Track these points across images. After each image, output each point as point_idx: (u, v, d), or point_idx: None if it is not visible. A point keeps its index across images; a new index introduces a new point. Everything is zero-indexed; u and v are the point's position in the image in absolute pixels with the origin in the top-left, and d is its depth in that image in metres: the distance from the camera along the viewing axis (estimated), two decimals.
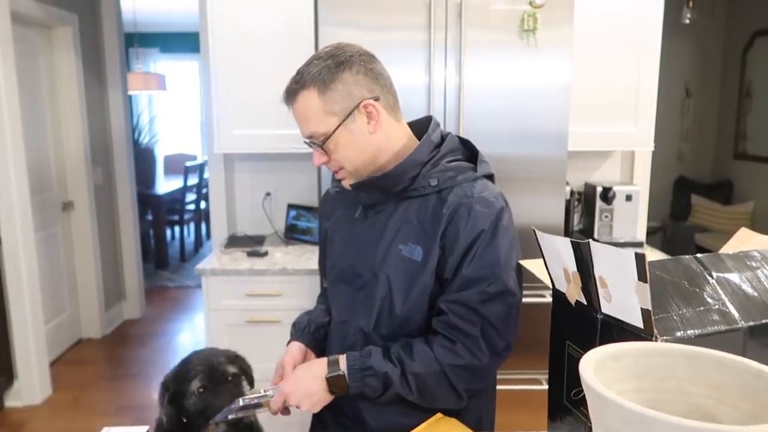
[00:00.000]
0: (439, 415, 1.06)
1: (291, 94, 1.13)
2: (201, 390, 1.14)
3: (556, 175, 2.29)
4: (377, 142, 1.14)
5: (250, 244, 2.76)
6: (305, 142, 1.16)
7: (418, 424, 1.10)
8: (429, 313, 1.16)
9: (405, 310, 1.14)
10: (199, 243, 6.47)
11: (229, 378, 1.17)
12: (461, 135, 2.26)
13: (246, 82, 2.53)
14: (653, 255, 2.44)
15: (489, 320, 1.10)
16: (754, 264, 0.94)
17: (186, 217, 6.11)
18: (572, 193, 2.80)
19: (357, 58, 1.12)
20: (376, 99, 1.12)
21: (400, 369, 1.09)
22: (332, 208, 1.34)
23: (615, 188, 2.69)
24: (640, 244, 2.71)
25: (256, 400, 1.12)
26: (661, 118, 2.68)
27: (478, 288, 1.09)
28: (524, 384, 2.24)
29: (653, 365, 0.62)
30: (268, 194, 3.01)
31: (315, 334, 1.31)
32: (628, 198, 2.70)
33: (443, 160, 1.16)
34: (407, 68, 2.24)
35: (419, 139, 1.18)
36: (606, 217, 2.71)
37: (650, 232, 5.15)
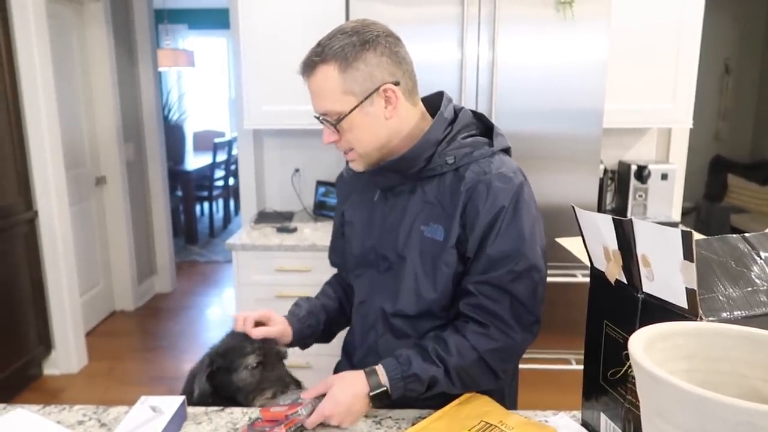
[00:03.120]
0: (473, 393, 1.05)
1: (309, 66, 1.08)
2: (255, 366, 1.16)
3: (590, 154, 2.24)
4: (391, 126, 1.11)
5: (279, 219, 2.78)
6: (316, 118, 1.13)
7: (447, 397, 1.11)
8: (453, 293, 1.14)
9: (432, 291, 1.13)
10: (227, 219, 6.54)
11: (284, 359, 1.21)
12: (494, 113, 2.24)
13: (275, 57, 2.52)
14: (695, 236, 2.39)
15: (518, 298, 1.08)
16: None
17: (215, 193, 6.16)
18: (605, 171, 2.74)
19: (383, 38, 1.08)
20: (397, 83, 1.08)
21: (443, 368, 1.07)
22: (347, 191, 1.32)
23: (650, 167, 2.62)
24: (675, 225, 2.65)
25: (289, 413, 1.04)
26: (698, 95, 2.59)
27: (505, 267, 1.07)
28: (554, 364, 2.22)
29: (706, 346, 0.60)
30: (297, 170, 3.01)
31: (305, 329, 1.30)
32: (664, 177, 2.63)
33: (458, 136, 1.13)
34: (439, 44, 2.20)
35: (432, 116, 1.15)
36: (640, 196, 2.65)
37: (684, 213, 5.04)
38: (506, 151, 1.18)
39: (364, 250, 1.24)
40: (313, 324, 1.32)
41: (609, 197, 2.82)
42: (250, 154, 3.01)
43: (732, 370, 0.58)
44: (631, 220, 0.86)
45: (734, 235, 0.90)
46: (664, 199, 2.66)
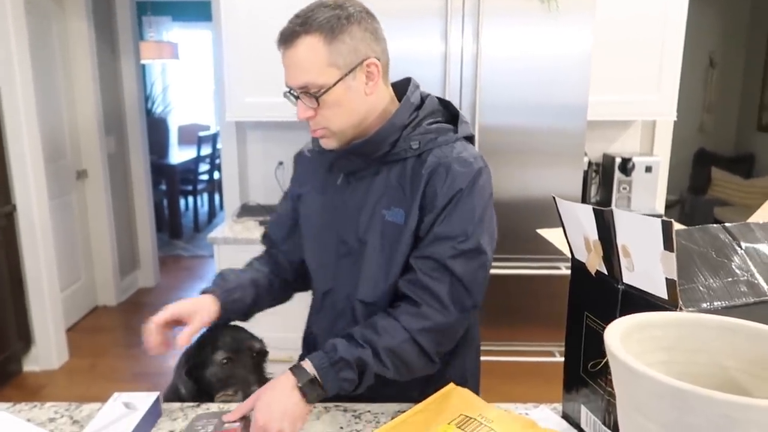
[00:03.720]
0: (452, 385, 1.04)
1: (291, 37, 1.04)
2: (225, 361, 1.15)
3: (574, 146, 2.24)
4: (370, 103, 1.10)
5: (263, 213, 2.75)
6: (289, 93, 1.09)
7: (395, 393, 1.09)
8: None
9: (391, 276, 1.12)
10: (212, 213, 6.49)
11: (254, 354, 1.19)
12: (478, 106, 2.23)
13: (258, 48, 2.49)
14: (675, 227, 2.40)
15: (458, 277, 1.07)
16: None
17: (199, 187, 6.11)
18: (590, 164, 2.74)
19: (365, 14, 1.08)
20: (378, 60, 1.08)
21: (370, 349, 1.03)
22: (306, 171, 1.28)
23: (634, 159, 2.63)
24: (659, 217, 2.65)
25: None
26: (683, 89, 2.60)
27: (449, 244, 1.07)
28: (537, 356, 2.22)
29: (684, 337, 0.58)
30: (280, 163, 2.98)
31: (231, 304, 1.19)
32: (648, 169, 2.63)
33: (424, 122, 1.13)
34: (423, 37, 2.18)
35: (399, 101, 1.15)
36: (624, 188, 2.65)
37: (668, 206, 5.07)
38: (470, 139, 1.19)
39: (324, 234, 1.21)
40: (241, 298, 1.21)
41: (593, 190, 2.82)
42: (233, 146, 2.97)
43: (710, 361, 0.57)
44: (611, 210, 0.85)
45: (715, 225, 0.89)
46: (648, 191, 2.67)
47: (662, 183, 2.84)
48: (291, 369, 1.02)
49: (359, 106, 1.09)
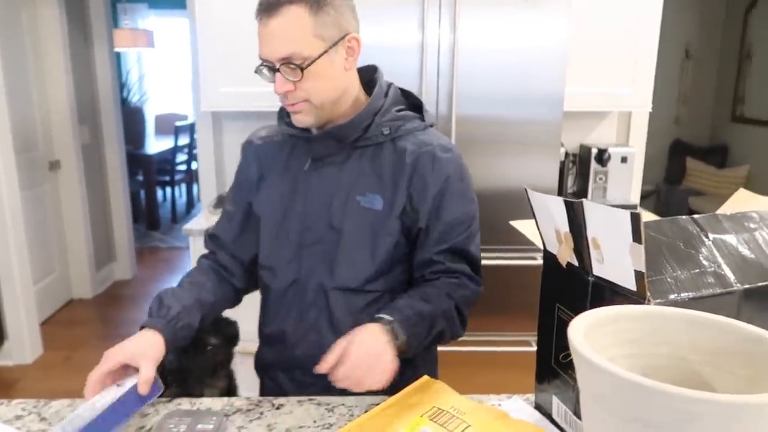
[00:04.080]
0: (425, 377, 1.04)
1: (275, 5, 1.02)
2: (176, 355, 1.14)
3: (550, 137, 2.25)
4: (347, 81, 1.11)
5: None
6: (264, 67, 1.07)
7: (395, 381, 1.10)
8: (396, 265, 1.16)
9: (371, 262, 1.13)
10: (190, 204, 6.42)
11: (208, 348, 1.17)
12: (455, 96, 2.22)
13: (233, 36, 2.45)
14: (646, 218, 2.43)
15: (472, 255, 1.17)
16: (752, 225, 0.91)
17: (177, 177, 6.03)
18: (567, 154, 2.76)
19: None
20: (357, 36, 1.09)
21: (431, 305, 1.08)
22: (260, 160, 1.24)
23: (610, 150, 2.65)
24: (633, 207, 2.68)
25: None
26: (659, 80, 2.62)
27: (462, 231, 1.15)
28: (514, 346, 2.24)
29: (648, 329, 0.59)
30: None
31: (178, 332, 1.09)
32: (623, 160, 2.66)
33: (392, 108, 1.16)
34: (400, 26, 2.17)
35: (363, 87, 1.17)
36: (600, 179, 2.67)
37: (644, 196, 5.14)
38: (432, 127, 1.23)
39: (286, 223, 1.18)
40: (188, 325, 1.11)
41: (571, 180, 2.84)
42: (209, 137, 2.94)
43: (674, 353, 0.57)
44: (581, 202, 0.85)
45: (684, 217, 0.90)
46: (624, 182, 2.69)
47: (637, 173, 2.86)
48: (377, 326, 1.00)
49: (339, 81, 1.09)
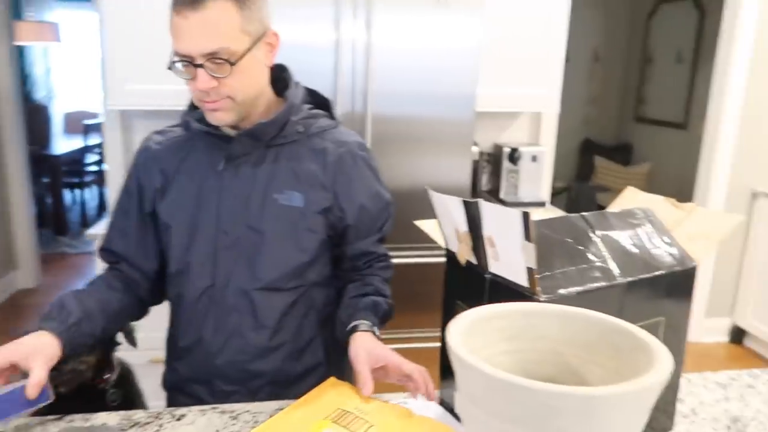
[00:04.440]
0: (331, 379, 1.03)
1: None
2: None
3: (463, 137, 2.30)
4: (265, 78, 1.13)
5: None
6: (182, 62, 1.02)
7: (303, 370, 1.18)
8: (320, 260, 1.18)
9: (297, 259, 1.14)
10: (102, 207, 6.11)
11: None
12: (370, 95, 2.23)
13: (142, 30, 2.35)
14: (554, 214, 2.53)
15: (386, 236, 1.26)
16: (635, 221, 0.97)
17: (87, 179, 5.73)
18: (481, 154, 2.83)
19: None
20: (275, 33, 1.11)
21: (383, 297, 1.19)
22: (161, 164, 1.18)
23: (521, 149, 2.74)
24: (542, 204, 2.79)
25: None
26: (571, 82, 2.74)
27: (387, 218, 1.23)
28: (421, 342, 2.27)
29: (526, 326, 0.61)
30: None
31: (77, 338, 1.03)
32: (534, 159, 2.76)
33: (303, 107, 1.17)
34: (314, 25, 2.15)
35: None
36: (512, 177, 2.76)
37: (557, 192, 5.36)
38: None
39: (200, 227, 1.14)
40: (89, 332, 1.07)
41: (485, 179, 2.91)
42: (118, 137, 2.80)
43: (549, 348, 0.60)
44: (477, 201, 0.87)
45: (574, 215, 0.94)
46: (535, 180, 2.80)
47: (548, 172, 2.98)
48: (359, 332, 1.08)
49: (261, 78, 1.10)
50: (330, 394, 0.98)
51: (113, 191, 2.83)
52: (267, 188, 1.12)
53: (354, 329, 1.08)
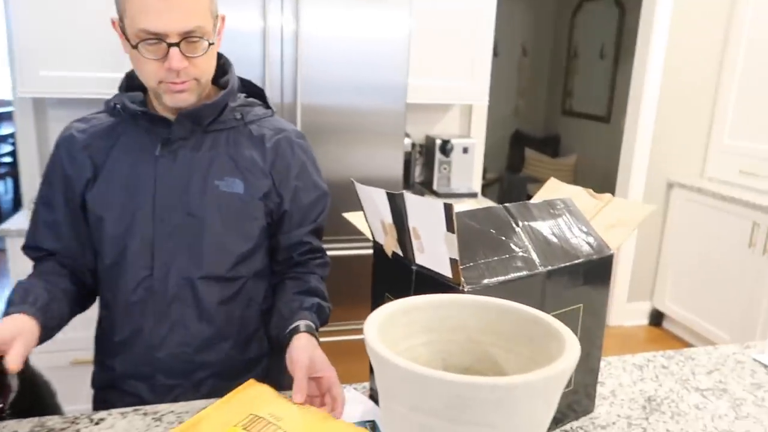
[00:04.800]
0: (250, 381, 1.00)
1: None
2: None
3: (394, 128, 2.30)
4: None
5: None
6: (151, 40, 0.98)
7: (247, 361, 1.18)
8: (260, 248, 1.17)
9: (241, 246, 1.13)
10: (18, 201, 5.76)
11: None
12: (299, 84, 2.20)
13: (56, 12, 2.22)
14: (485, 204, 2.59)
15: (322, 225, 1.25)
16: (556, 212, 0.99)
17: (0, 171, 5.39)
18: (414, 145, 2.85)
19: None
20: None
21: (321, 297, 1.18)
22: (88, 154, 1.11)
23: (453, 141, 2.78)
24: (474, 195, 2.84)
25: None
26: (501, 75, 2.81)
27: (322, 210, 1.22)
28: (353, 335, 2.28)
29: (442, 317, 0.61)
30: None
31: (49, 321, 1.01)
32: (465, 150, 2.80)
33: (240, 94, 1.18)
34: (241, 12, 2.09)
35: None
36: (444, 169, 2.80)
37: (490, 183, 5.49)
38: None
39: (136, 216, 1.09)
40: (59, 315, 1.05)
41: (418, 170, 2.94)
42: (31, 126, 2.64)
43: (467, 338, 0.61)
44: (402, 193, 0.87)
45: (497, 206, 0.96)
46: (467, 171, 2.84)
47: (478, 163, 3.04)
48: (303, 332, 1.05)
49: (215, 60, 1.11)
50: (246, 397, 0.95)
51: (27, 183, 2.67)
52: (207, 174, 1.10)
53: (297, 329, 1.05)
